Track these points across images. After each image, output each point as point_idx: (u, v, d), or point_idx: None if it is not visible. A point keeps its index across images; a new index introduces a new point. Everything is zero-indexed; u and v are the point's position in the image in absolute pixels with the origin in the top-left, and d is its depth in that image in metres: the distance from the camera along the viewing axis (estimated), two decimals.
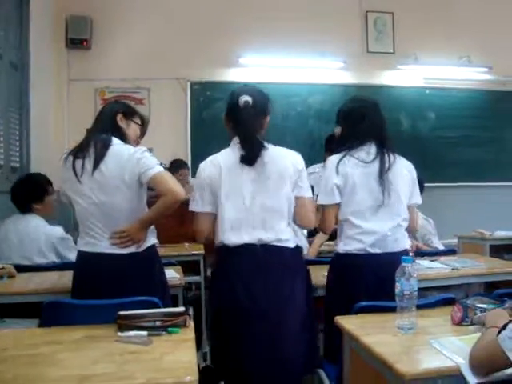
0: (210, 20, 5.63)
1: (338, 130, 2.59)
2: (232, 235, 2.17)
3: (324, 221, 2.47)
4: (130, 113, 2.47)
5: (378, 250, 2.34)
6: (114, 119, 2.39)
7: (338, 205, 2.42)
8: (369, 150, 2.41)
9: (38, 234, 3.09)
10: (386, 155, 2.41)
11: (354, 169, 2.37)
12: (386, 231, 2.36)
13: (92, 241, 2.25)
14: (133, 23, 5.52)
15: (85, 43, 5.38)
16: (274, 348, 2.09)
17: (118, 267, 2.20)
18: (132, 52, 5.48)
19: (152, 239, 2.34)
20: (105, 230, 2.23)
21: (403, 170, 2.47)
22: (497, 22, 6.22)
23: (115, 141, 2.30)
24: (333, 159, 2.43)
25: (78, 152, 2.28)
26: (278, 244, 2.18)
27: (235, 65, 5.76)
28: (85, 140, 2.33)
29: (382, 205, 2.35)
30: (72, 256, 3.00)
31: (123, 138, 2.37)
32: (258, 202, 2.18)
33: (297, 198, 2.25)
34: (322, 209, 2.48)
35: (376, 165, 2.38)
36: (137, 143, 2.46)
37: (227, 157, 2.23)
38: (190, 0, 5.66)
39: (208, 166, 2.25)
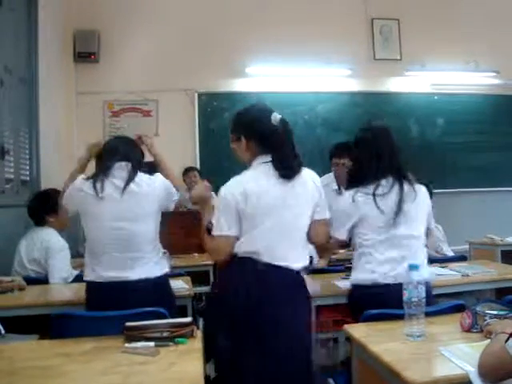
0: (215, 31, 5.67)
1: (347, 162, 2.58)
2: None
3: (333, 242, 2.48)
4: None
5: (395, 280, 2.23)
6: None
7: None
8: (384, 183, 2.35)
9: (42, 240, 3.16)
10: (404, 185, 2.35)
11: (370, 205, 2.32)
12: (403, 262, 2.26)
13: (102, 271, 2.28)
14: (140, 36, 5.57)
15: (93, 57, 5.45)
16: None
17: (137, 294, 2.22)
18: (139, 64, 5.54)
19: (166, 267, 2.40)
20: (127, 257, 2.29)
21: (420, 202, 2.40)
22: (503, 26, 6.21)
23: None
24: (349, 194, 2.38)
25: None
26: (287, 265, 2.10)
27: (242, 75, 5.79)
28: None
29: (400, 236, 2.31)
30: (52, 265, 3.10)
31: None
32: (285, 224, 2.10)
33: (318, 221, 2.20)
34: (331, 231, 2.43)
35: (390, 197, 2.32)
36: None
37: (253, 178, 2.12)
38: (196, 12, 5.70)
39: (234, 187, 2.10)
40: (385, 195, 2.31)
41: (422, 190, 2.43)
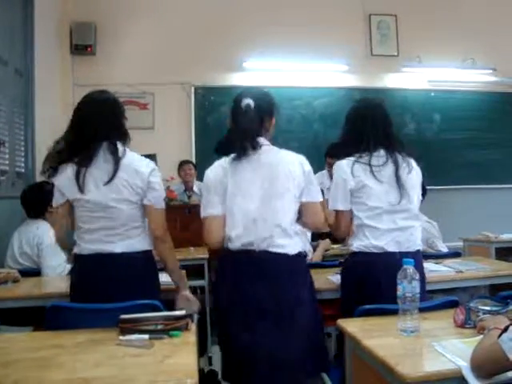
0: (213, 25, 5.66)
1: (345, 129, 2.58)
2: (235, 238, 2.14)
3: (339, 227, 2.45)
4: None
5: (393, 249, 2.32)
6: (121, 122, 2.31)
7: (351, 209, 2.41)
8: (378, 154, 2.38)
9: (34, 235, 3.14)
10: (397, 157, 2.39)
11: (366, 174, 2.35)
12: (401, 232, 2.35)
13: (89, 245, 2.22)
14: (137, 29, 5.56)
15: (89, 49, 5.44)
16: (279, 349, 2.08)
17: (117, 267, 2.19)
18: (136, 57, 5.52)
19: (146, 244, 2.30)
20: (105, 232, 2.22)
21: (413, 172, 2.44)
22: (500, 23, 6.22)
23: (127, 151, 2.25)
24: (343, 165, 2.41)
25: (83, 161, 2.18)
26: (276, 250, 2.13)
27: (239, 69, 5.79)
28: (87, 149, 2.20)
29: (397, 207, 2.34)
30: (45, 264, 3.07)
31: (126, 140, 2.31)
32: (262, 204, 2.14)
33: (307, 203, 2.21)
34: (335, 214, 2.46)
35: (388, 168, 2.36)
36: None
37: (232, 159, 2.19)
38: (194, 5, 5.69)
39: (214, 168, 2.23)
40: (381, 167, 2.35)
41: (413, 162, 2.46)
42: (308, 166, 2.22)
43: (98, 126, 2.21)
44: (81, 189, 2.15)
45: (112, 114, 2.28)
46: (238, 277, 2.12)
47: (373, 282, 2.27)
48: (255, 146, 2.15)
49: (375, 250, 2.33)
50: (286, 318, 2.09)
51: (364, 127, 2.42)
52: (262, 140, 2.19)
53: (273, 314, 2.07)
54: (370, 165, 2.36)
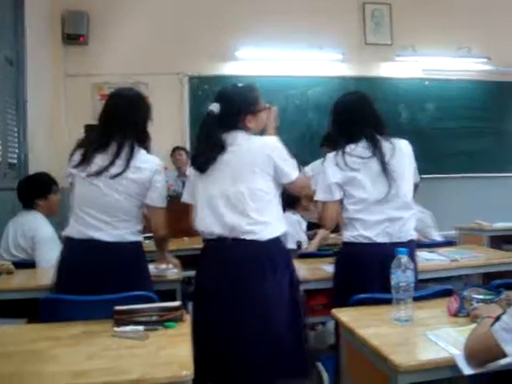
0: (207, 14, 5.61)
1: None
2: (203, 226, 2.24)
3: (325, 218, 2.48)
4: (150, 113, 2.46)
5: (383, 240, 2.34)
6: (143, 128, 2.39)
7: (339, 201, 2.42)
8: (364, 145, 2.39)
9: (28, 228, 3.12)
10: (384, 144, 2.39)
11: (354, 165, 2.36)
12: (391, 222, 2.36)
13: (82, 228, 2.26)
14: (130, 18, 5.50)
15: (82, 39, 5.38)
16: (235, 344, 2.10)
17: (105, 255, 2.23)
18: (129, 47, 5.47)
19: (133, 236, 2.33)
20: (98, 219, 2.25)
21: (403, 157, 2.44)
22: (496, 12, 6.19)
23: (138, 149, 2.32)
24: (331, 157, 2.43)
25: (98, 149, 2.29)
26: (244, 237, 2.17)
27: (233, 58, 5.75)
28: (104, 139, 2.30)
29: (386, 197, 2.35)
30: (40, 257, 3.05)
31: (146, 141, 2.41)
32: (227, 191, 2.20)
33: (288, 184, 2.28)
34: (321, 205, 2.48)
35: (375, 159, 2.36)
36: None
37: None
38: None
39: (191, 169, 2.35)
40: (369, 158, 2.36)
41: (401, 143, 2.46)
42: (272, 148, 2.23)
43: (113, 120, 2.32)
44: (84, 166, 2.27)
45: (128, 110, 2.34)
46: (207, 265, 2.24)
47: (362, 272, 2.29)
48: (215, 158, 2.21)
49: (364, 241, 2.35)
50: (245, 310, 2.11)
51: (348, 119, 2.45)
52: (231, 138, 2.24)
53: (233, 304, 2.12)
54: (357, 156, 2.36)
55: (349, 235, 2.40)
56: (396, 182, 2.35)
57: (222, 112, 2.26)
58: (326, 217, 2.47)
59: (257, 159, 2.19)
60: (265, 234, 2.16)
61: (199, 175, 2.26)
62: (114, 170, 2.23)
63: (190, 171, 2.37)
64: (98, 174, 2.24)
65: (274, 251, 2.20)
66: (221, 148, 2.21)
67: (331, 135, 2.59)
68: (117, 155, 2.25)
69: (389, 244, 2.29)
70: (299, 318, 2.26)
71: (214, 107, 2.27)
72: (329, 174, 2.40)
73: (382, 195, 2.34)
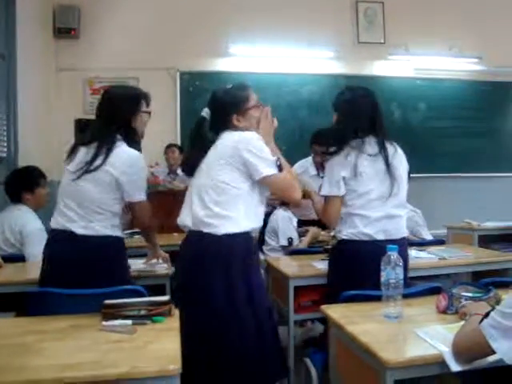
0: (199, 9, 5.59)
1: (335, 117, 2.57)
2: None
3: (330, 214, 2.46)
4: (140, 106, 2.41)
5: (381, 237, 2.36)
6: (126, 122, 2.36)
7: (343, 197, 2.42)
8: (370, 142, 2.42)
9: (16, 222, 3.11)
10: (388, 146, 2.43)
11: (361, 161, 2.38)
12: (389, 220, 2.40)
13: (59, 218, 2.29)
14: (122, 12, 5.48)
15: (73, 32, 5.35)
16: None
17: (77, 247, 2.22)
18: (121, 41, 5.44)
19: (107, 230, 2.29)
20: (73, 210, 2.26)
21: (402, 160, 2.51)
22: (487, 12, 6.22)
23: (119, 143, 2.30)
24: (341, 152, 2.41)
25: (84, 143, 2.33)
26: (201, 229, 2.13)
27: (225, 55, 5.73)
28: (91, 134, 2.36)
29: (389, 196, 2.39)
30: (29, 251, 3.05)
31: (132, 136, 2.38)
32: (198, 184, 2.21)
33: (261, 180, 2.15)
34: (325, 200, 2.47)
35: (380, 156, 2.40)
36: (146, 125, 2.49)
37: None
38: None
39: None
40: (376, 155, 2.39)
41: (399, 148, 2.51)
42: (244, 142, 2.15)
43: (100, 116, 2.36)
44: (70, 159, 2.32)
45: (112, 106, 2.35)
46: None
47: (361, 269, 2.28)
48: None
49: (365, 238, 2.36)
50: (193, 310, 2.06)
51: (357, 115, 2.44)
52: (219, 138, 2.24)
53: (187, 302, 2.07)
54: (364, 153, 2.38)
55: (348, 232, 2.40)
56: (397, 180, 2.40)
57: (212, 115, 2.29)
58: (332, 212, 2.44)
59: (225, 152, 2.15)
60: (222, 228, 2.09)
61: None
62: (93, 164, 2.24)
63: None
64: (79, 167, 2.25)
65: (228, 248, 2.10)
66: (205, 153, 2.24)
67: (337, 129, 2.54)
68: (97, 150, 2.25)
69: (385, 241, 2.29)
70: (265, 322, 2.14)
71: (205, 113, 2.30)
72: (337, 168, 2.40)
73: (386, 192, 2.38)
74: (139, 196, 2.34)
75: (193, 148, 2.31)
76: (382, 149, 2.41)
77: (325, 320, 3.27)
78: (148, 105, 2.48)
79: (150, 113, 2.48)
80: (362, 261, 2.30)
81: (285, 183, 2.20)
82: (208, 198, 2.13)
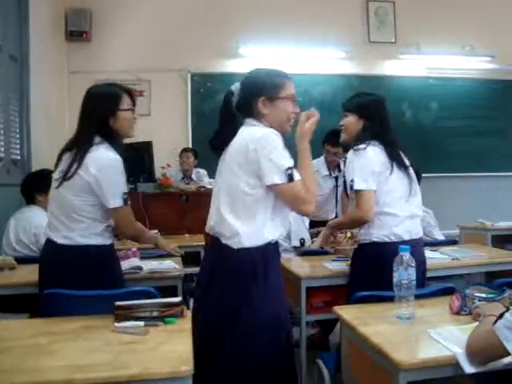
0: (210, 11, 5.61)
1: (351, 119, 2.57)
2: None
3: (367, 209, 2.37)
4: (119, 105, 2.26)
5: (407, 237, 2.38)
6: (103, 123, 2.22)
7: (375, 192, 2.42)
8: (389, 144, 2.47)
9: (30, 224, 3.15)
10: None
11: (385, 160, 2.41)
12: (411, 220, 2.43)
13: (47, 228, 2.27)
14: (133, 15, 5.51)
15: (85, 35, 5.39)
16: None
17: (58, 258, 2.18)
18: (132, 44, 5.48)
19: (85, 239, 2.19)
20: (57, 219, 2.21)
21: (408, 162, 2.54)
22: (499, 10, 6.17)
23: (95, 147, 2.18)
24: (369, 149, 2.41)
25: (67, 149, 2.24)
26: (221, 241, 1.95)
27: (235, 56, 5.74)
28: (71, 141, 2.25)
29: (410, 194, 2.43)
30: None
31: (113, 136, 2.25)
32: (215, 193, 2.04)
33: (271, 187, 1.91)
34: (361, 195, 2.39)
35: (400, 157, 2.47)
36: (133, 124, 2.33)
37: None
38: None
39: None
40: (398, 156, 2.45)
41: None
42: (258, 144, 1.90)
43: (80, 119, 2.26)
44: (57, 167, 2.24)
45: (86, 106, 2.26)
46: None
47: (391, 270, 2.23)
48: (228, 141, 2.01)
49: (396, 240, 2.35)
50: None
51: (385, 118, 2.52)
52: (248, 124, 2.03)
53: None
54: (385, 152, 2.43)
55: (379, 233, 2.38)
56: (413, 180, 2.47)
57: (239, 94, 2.06)
58: (369, 208, 2.37)
59: (239, 152, 1.93)
60: (237, 241, 1.91)
61: None
62: (70, 170, 2.14)
63: None
64: (60, 174, 2.18)
65: (246, 264, 1.91)
66: (232, 131, 2.01)
67: (362, 129, 2.54)
68: (74, 156, 2.16)
69: (409, 241, 2.31)
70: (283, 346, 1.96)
71: (235, 87, 2.08)
72: (373, 161, 2.39)
73: (407, 191, 2.42)
74: (114, 201, 2.15)
75: (222, 124, 2.07)
76: (400, 150, 2.47)
77: (320, 321, 3.30)
78: (133, 102, 2.34)
79: (133, 110, 2.31)
80: (391, 262, 2.25)
81: (293, 195, 1.91)
82: (224, 205, 1.93)
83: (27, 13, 4.24)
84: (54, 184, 2.23)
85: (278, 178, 1.87)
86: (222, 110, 2.09)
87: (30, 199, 3.28)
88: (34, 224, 3.13)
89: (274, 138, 1.91)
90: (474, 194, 6.01)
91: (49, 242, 2.23)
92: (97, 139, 2.18)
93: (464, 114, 6.19)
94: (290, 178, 1.89)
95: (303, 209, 1.96)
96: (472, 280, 2.95)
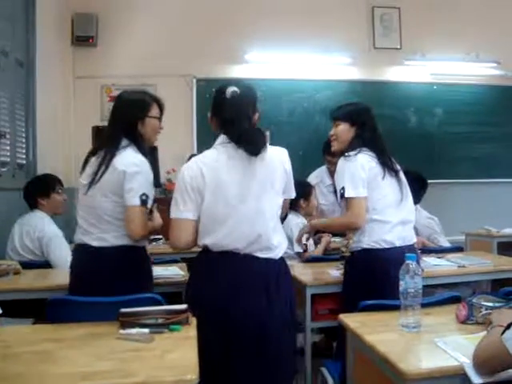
0: (215, 16, 5.62)
1: (343, 128, 2.58)
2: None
3: (359, 215, 2.39)
4: (147, 111, 2.34)
5: (400, 243, 2.39)
6: (132, 127, 2.30)
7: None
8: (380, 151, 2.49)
9: (34, 229, 3.15)
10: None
11: (377, 167, 2.43)
12: (403, 226, 2.44)
13: (78, 233, 2.31)
14: (138, 20, 5.52)
15: (91, 40, 5.40)
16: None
17: (92, 260, 2.23)
18: (138, 49, 5.48)
19: (118, 240, 2.24)
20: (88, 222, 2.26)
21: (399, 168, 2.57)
22: (504, 16, 6.16)
23: (122, 149, 2.25)
24: (359, 157, 2.43)
25: (94, 152, 2.32)
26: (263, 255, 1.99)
27: (241, 61, 5.74)
28: (99, 144, 2.36)
29: (401, 200, 2.44)
30: (53, 257, 3.09)
31: (140, 140, 2.32)
32: (244, 204, 1.98)
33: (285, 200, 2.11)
34: (355, 203, 2.39)
35: (391, 162, 2.50)
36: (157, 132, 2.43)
37: (211, 157, 2.06)
38: None
39: (190, 167, 2.05)
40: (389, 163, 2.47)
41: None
42: (287, 162, 2.06)
43: (109, 121, 2.35)
44: (83, 170, 2.32)
45: (115, 112, 2.34)
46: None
47: (383, 277, 2.26)
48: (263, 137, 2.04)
49: (386, 246, 2.36)
50: None
51: (375, 125, 2.56)
52: None
53: None
54: (375, 158, 2.45)
55: (370, 240, 2.39)
56: (404, 184, 2.48)
57: (244, 97, 2.09)
58: (361, 214, 2.38)
59: (276, 173, 2.03)
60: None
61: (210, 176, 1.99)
62: (98, 173, 2.22)
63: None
64: (88, 179, 2.24)
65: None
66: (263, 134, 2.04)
67: (354, 136, 2.55)
68: (102, 159, 2.23)
69: (404, 247, 2.34)
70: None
71: (236, 89, 2.07)
72: (364, 168, 2.40)
73: (398, 197, 2.43)
74: (132, 199, 2.17)
75: (240, 122, 2.04)
76: (390, 157, 2.50)
77: (323, 329, 3.30)
78: (161, 111, 2.41)
79: (159, 118, 2.39)
80: (383, 268, 2.28)
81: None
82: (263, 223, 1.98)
83: (33, 18, 4.25)
84: (81, 190, 2.28)
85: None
86: (231, 107, 2.10)
87: (32, 204, 3.28)
88: (38, 228, 3.14)
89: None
90: (479, 201, 5.98)
91: (81, 246, 2.27)
92: (124, 142, 2.27)
93: (469, 120, 6.17)
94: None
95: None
96: (478, 288, 2.95)
